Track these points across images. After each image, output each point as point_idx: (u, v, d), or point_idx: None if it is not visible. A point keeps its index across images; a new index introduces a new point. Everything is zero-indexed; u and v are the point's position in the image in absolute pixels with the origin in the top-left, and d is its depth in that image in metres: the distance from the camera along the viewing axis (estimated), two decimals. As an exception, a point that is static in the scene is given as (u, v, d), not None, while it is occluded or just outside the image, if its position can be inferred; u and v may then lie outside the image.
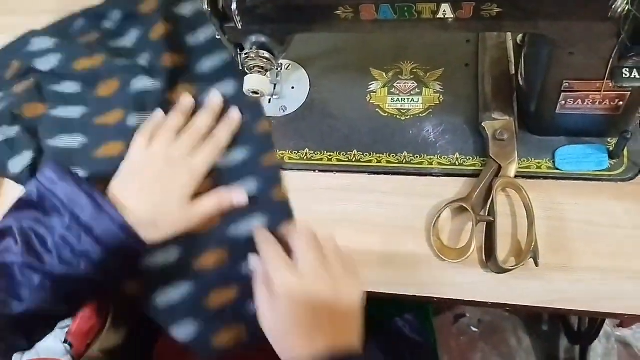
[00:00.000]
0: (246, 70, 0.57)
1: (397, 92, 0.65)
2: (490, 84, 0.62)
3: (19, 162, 0.65)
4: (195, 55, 0.68)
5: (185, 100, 0.64)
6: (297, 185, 0.63)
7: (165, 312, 0.59)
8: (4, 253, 0.53)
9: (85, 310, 0.80)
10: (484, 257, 0.57)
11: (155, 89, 0.65)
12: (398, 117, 0.64)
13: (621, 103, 0.53)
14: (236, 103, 0.65)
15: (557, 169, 0.58)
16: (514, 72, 0.62)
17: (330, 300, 0.52)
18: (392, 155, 0.62)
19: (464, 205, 0.57)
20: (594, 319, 1.06)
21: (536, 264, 0.54)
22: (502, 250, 0.55)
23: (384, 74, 0.67)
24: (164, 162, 0.59)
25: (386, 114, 0.64)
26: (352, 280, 0.54)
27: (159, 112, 0.64)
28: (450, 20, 0.48)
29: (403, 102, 0.65)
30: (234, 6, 0.49)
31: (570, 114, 0.55)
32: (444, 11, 0.47)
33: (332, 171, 0.63)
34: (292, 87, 0.68)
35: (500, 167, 0.58)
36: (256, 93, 0.57)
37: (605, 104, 0.54)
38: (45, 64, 0.70)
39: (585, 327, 1.12)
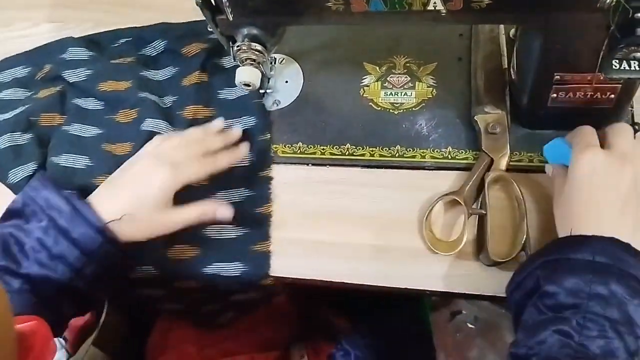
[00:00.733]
0: (238, 63, 0.57)
1: (390, 86, 0.65)
2: (483, 78, 0.62)
3: (21, 172, 0.65)
4: (222, 110, 0.67)
5: (218, 122, 0.64)
6: (290, 179, 0.63)
7: None
8: None
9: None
10: (476, 250, 0.57)
11: (166, 133, 0.64)
12: (391, 111, 0.64)
13: (613, 96, 0.53)
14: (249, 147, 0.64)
15: (549, 162, 0.58)
16: (506, 66, 0.62)
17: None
18: (385, 149, 0.62)
19: (456, 199, 0.58)
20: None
21: (527, 257, 0.54)
22: (494, 243, 0.55)
23: (377, 68, 0.67)
24: (151, 158, 0.58)
25: (379, 108, 0.65)
26: None
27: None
28: (440, 12, 0.48)
29: (396, 96, 0.65)
30: (225, -2, 0.49)
31: (562, 106, 0.55)
32: (435, 3, 0.47)
33: (325, 165, 0.63)
34: (286, 82, 0.68)
35: (492, 161, 0.58)
36: (248, 85, 0.58)
37: (597, 96, 0.54)
38: (74, 76, 0.70)
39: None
